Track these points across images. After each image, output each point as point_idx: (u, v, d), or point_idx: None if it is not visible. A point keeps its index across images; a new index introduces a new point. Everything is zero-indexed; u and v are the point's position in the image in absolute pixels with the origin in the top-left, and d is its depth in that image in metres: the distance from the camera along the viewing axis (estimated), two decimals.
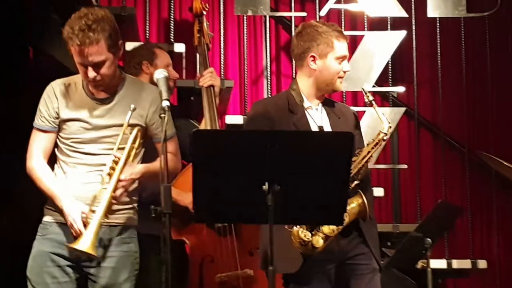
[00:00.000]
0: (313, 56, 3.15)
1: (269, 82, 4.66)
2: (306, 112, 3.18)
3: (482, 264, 4.68)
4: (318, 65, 3.16)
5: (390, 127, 3.13)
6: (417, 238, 3.75)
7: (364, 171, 3.11)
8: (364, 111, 4.60)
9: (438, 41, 4.94)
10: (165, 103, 2.70)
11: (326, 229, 2.99)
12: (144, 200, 2.99)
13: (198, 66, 4.42)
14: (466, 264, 4.67)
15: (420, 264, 4.16)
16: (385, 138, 3.12)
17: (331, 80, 3.17)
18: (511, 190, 4.15)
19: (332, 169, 2.61)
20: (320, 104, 3.22)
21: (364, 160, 3.09)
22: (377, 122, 3.23)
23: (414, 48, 4.86)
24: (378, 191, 4.55)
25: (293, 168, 2.57)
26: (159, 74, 2.81)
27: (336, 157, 2.61)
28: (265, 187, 2.51)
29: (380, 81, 4.81)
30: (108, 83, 2.90)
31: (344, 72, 3.19)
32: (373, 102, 3.16)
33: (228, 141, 2.59)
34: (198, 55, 4.06)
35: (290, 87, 3.26)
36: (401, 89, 4.84)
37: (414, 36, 4.85)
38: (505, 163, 3.69)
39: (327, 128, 3.17)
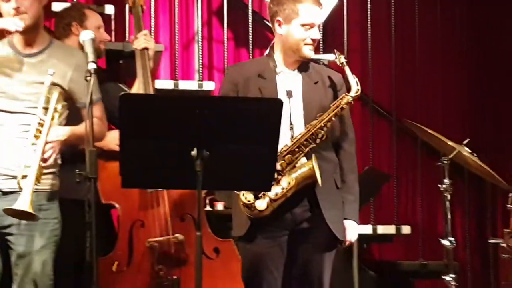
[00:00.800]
0: (279, 21, 3.10)
1: (200, 47, 4.62)
2: (277, 76, 3.13)
3: (406, 229, 4.80)
4: (283, 30, 3.10)
5: (358, 90, 3.06)
6: None
7: (323, 135, 3.03)
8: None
9: (369, 10, 4.99)
10: (91, 66, 2.65)
11: (271, 192, 2.97)
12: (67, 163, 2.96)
13: (128, 29, 4.37)
14: (390, 229, 4.78)
15: None
16: (350, 101, 3.05)
17: (297, 47, 3.10)
18: (435, 158, 4.24)
19: (261, 135, 2.62)
20: (297, 69, 3.15)
21: (322, 123, 3.03)
22: None
23: (345, 16, 4.89)
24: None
25: (222, 133, 2.57)
26: (86, 36, 2.77)
27: (265, 123, 2.61)
28: (194, 152, 2.50)
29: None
30: (31, 25, 2.86)
31: (313, 39, 3.09)
32: (345, 64, 3.10)
33: (156, 106, 2.56)
34: (128, 17, 4.00)
35: (268, 51, 3.23)
36: (331, 56, 4.86)
37: (345, 4, 4.88)
38: (430, 131, 3.79)
39: (297, 93, 3.11)
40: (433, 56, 5.26)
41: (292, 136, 3.06)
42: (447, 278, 3.61)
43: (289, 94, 3.08)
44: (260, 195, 3.01)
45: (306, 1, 3.06)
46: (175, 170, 2.60)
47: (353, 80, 3.06)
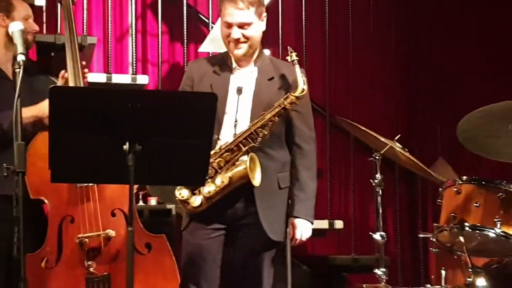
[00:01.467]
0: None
1: (134, 40, 4.56)
2: (232, 73, 3.13)
3: (338, 224, 4.84)
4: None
5: (303, 90, 3.04)
6: None
7: (265, 135, 3.00)
8: None
9: (303, 7, 5.03)
10: (20, 57, 2.59)
11: (206, 188, 2.98)
12: None
13: (59, 21, 4.27)
14: (323, 224, 4.82)
15: None
16: (294, 100, 3.02)
17: (225, 44, 3.13)
18: (368, 153, 4.30)
19: (195, 129, 2.60)
20: (253, 64, 3.14)
21: (262, 123, 3.01)
22: None
23: (280, 13, 4.91)
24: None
25: (155, 128, 2.55)
26: (14, 27, 2.71)
27: (199, 117, 2.60)
28: (126, 147, 2.47)
29: None
30: None
31: (236, 39, 3.05)
32: (296, 62, 3.07)
33: (88, 99, 2.52)
34: (60, 9, 3.92)
35: None
36: (266, 52, 4.88)
37: (280, 2, 4.89)
38: (362, 127, 3.83)
39: (249, 89, 3.10)
40: (366, 53, 5.33)
41: (234, 134, 3.05)
42: (378, 272, 3.66)
43: (239, 90, 3.08)
44: (195, 191, 3.01)
45: (226, 1, 3.06)
46: (106, 165, 2.57)
47: (301, 79, 3.05)
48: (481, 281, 3.29)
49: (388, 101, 5.43)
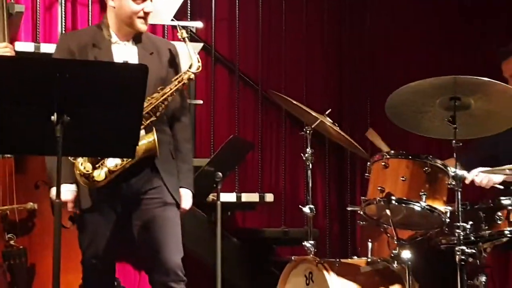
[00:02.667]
0: None
1: (63, 10, 4.45)
2: (112, 47, 3.14)
3: (269, 197, 4.88)
4: (115, 2, 3.14)
5: (199, 67, 3.14)
6: (209, 172, 3.83)
7: (163, 109, 3.11)
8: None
9: None
10: None
11: (110, 163, 3.00)
12: None
13: None
14: (254, 197, 4.85)
15: (210, 198, 4.26)
16: (191, 77, 3.13)
17: (130, 20, 3.14)
18: (299, 128, 4.34)
19: (124, 101, 2.58)
20: (132, 40, 3.19)
21: (164, 97, 3.11)
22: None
23: None
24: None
25: (84, 98, 2.51)
26: None
27: (129, 89, 2.58)
28: (54, 117, 2.43)
29: (178, 15, 4.78)
30: None
31: (146, 13, 3.11)
32: (187, 39, 3.17)
33: (15, 68, 2.46)
34: None
35: (101, 21, 3.21)
36: (199, 24, 4.85)
37: None
38: (293, 102, 3.85)
39: (133, 63, 3.13)
40: (299, 28, 5.35)
41: None
42: (307, 244, 3.71)
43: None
44: (98, 165, 2.99)
45: None
46: (34, 136, 2.52)
47: (194, 56, 3.17)
48: (406, 253, 3.37)
49: (320, 75, 5.47)
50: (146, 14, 3.12)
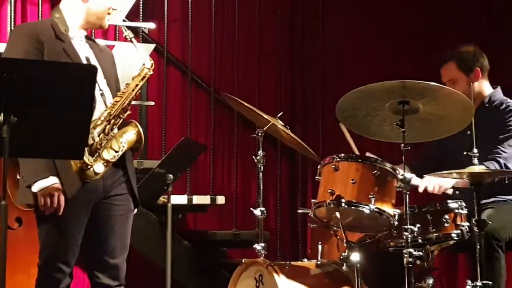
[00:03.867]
0: None
1: (13, 8, 4.39)
2: (72, 41, 3.10)
3: (220, 200, 4.88)
4: None
5: (152, 64, 3.15)
6: (160, 174, 3.81)
7: (128, 105, 3.10)
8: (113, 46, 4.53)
9: None
10: None
11: (106, 154, 2.99)
12: None
13: None
14: (205, 200, 4.85)
15: (161, 200, 4.24)
16: (150, 73, 3.14)
17: (102, 15, 3.12)
18: (251, 131, 4.33)
19: (73, 101, 2.55)
20: (84, 37, 3.16)
21: (132, 96, 3.09)
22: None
23: None
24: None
25: (32, 98, 2.48)
26: None
27: (79, 89, 2.55)
28: (0, 118, 2.39)
29: (131, 16, 4.76)
30: None
31: (113, 10, 3.12)
32: (133, 40, 3.16)
33: None
34: None
35: (52, 15, 3.15)
36: (151, 25, 4.83)
37: None
38: (245, 104, 3.86)
39: (93, 59, 3.12)
40: (252, 30, 5.36)
41: (104, 103, 3.07)
42: (258, 246, 3.71)
43: (88, 60, 3.10)
44: (94, 157, 2.97)
45: None
46: None
47: (146, 54, 3.22)
48: (355, 256, 3.40)
49: (273, 77, 5.49)
50: (114, 10, 3.14)
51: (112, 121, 3.04)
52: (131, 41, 3.17)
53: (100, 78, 3.08)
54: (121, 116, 3.07)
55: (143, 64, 3.16)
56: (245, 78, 5.30)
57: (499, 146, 3.80)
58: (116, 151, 3.01)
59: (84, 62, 3.08)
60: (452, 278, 5.27)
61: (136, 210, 3.23)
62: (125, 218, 3.15)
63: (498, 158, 3.77)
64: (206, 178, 5.06)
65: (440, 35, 5.68)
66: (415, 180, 3.63)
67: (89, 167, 2.94)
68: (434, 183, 3.68)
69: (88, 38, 3.21)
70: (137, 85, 3.11)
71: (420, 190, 3.72)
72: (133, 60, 4.18)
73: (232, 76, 5.25)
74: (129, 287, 4.94)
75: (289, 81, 5.59)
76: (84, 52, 3.12)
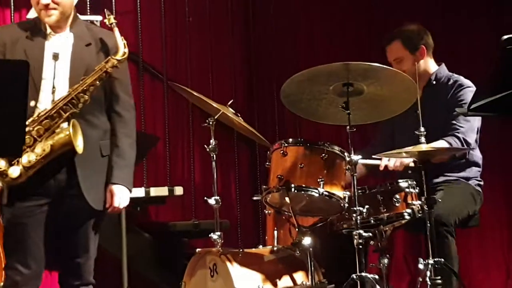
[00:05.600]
0: None
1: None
2: (46, 38, 3.05)
3: (178, 191, 4.85)
4: None
5: (125, 53, 3.03)
6: None
7: (86, 100, 2.98)
8: None
9: None
10: None
11: (25, 157, 2.89)
12: None
13: None
14: (163, 191, 4.81)
15: None
16: (116, 64, 3.01)
17: (38, 12, 3.05)
18: (205, 119, 4.30)
19: (6, 98, 2.50)
20: (68, 30, 3.08)
21: (84, 87, 2.98)
22: None
23: None
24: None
25: None
26: None
27: (10, 85, 2.50)
28: None
29: (79, 10, 4.69)
30: None
31: (45, 5, 3.00)
32: (114, 25, 3.06)
33: None
34: None
35: None
36: (98, 17, 4.76)
37: None
38: (195, 93, 3.83)
39: (65, 55, 3.04)
40: (205, 18, 5.32)
41: (53, 100, 2.99)
42: (214, 236, 3.69)
43: (55, 56, 3.01)
44: (13, 161, 2.91)
45: None
46: None
47: (121, 42, 3.04)
48: (307, 240, 3.40)
49: (227, 65, 5.46)
50: (45, 6, 3.00)
51: (45, 121, 2.96)
52: (111, 26, 3.07)
53: (62, 74, 3.02)
54: (62, 113, 2.97)
55: (113, 54, 3.04)
56: (199, 66, 5.27)
57: (454, 122, 3.81)
58: (37, 155, 2.91)
59: (48, 59, 3.01)
60: (407, 257, 5.33)
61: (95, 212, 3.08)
62: (81, 217, 3.05)
63: (457, 133, 3.78)
64: (163, 169, 5.03)
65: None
66: (371, 161, 3.64)
67: (2, 171, 2.89)
68: (394, 159, 3.67)
69: (80, 30, 3.10)
70: (94, 79, 2.99)
71: (381, 168, 3.72)
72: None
73: (185, 65, 5.21)
74: None
75: (245, 67, 5.56)
76: (56, 49, 3.04)
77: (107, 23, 3.10)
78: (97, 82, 3.00)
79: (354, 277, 3.21)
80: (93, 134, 3.04)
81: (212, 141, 3.86)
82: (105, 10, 3.15)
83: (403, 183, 3.51)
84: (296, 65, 5.40)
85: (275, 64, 5.51)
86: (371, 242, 3.58)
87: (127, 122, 3.15)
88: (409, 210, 3.49)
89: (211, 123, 3.88)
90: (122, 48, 3.04)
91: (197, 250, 3.62)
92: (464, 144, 3.74)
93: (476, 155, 3.94)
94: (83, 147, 2.97)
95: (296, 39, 5.61)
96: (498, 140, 5.38)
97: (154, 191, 4.77)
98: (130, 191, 3.13)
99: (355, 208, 3.24)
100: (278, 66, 5.53)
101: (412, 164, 3.73)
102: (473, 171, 3.92)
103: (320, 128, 4.96)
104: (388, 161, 3.72)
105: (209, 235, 3.73)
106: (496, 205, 5.50)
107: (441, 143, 3.67)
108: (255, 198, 4.14)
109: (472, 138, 3.80)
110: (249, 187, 5.49)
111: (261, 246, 3.77)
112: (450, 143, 3.70)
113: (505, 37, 2.85)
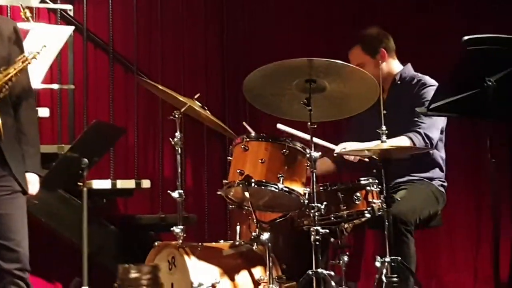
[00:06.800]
0: None
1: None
2: None
3: (146, 183, 4.83)
4: None
5: (45, 46, 3.06)
6: (73, 158, 3.73)
7: (6, 90, 3.02)
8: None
9: None
10: None
11: None
12: None
13: None
14: (130, 184, 4.79)
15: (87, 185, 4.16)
16: (36, 57, 3.05)
17: None
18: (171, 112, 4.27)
19: None
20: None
21: (7, 78, 3.01)
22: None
23: None
24: (43, 112, 4.49)
25: None
26: None
27: None
28: None
29: None
30: None
31: None
32: (30, 19, 3.09)
33: None
34: None
35: None
36: (68, 7, 4.74)
37: None
38: (160, 87, 3.81)
39: None
40: (178, 10, 5.29)
41: None
42: (176, 229, 3.66)
43: None
44: None
45: None
46: None
47: (45, 36, 3.16)
48: (265, 235, 3.38)
49: (201, 59, 5.43)
50: None
51: None
52: (27, 20, 3.10)
53: None
54: None
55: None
56: (172, 59, 5.24)
57: (416, 118, 3.82)
58: None
59: None
60: (365, 255, 5.33)
61: (25, 195, 3.15)
62: (10, 199, 3.08)
63: (419, 129, 3.78)
64: (131, 162, 5.00)
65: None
66: (326, 143, 3.63)
67: None
68: (348, 147, 3.68)
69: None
70: (12, 71, 3.01)
71: (335, 154, 3.72)
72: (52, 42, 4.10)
73: (158, 57, 5.18)
74: (55, 273, 4.93)
75: (219, 61, 5.52)
76: None
77: (22, 16, 3.12)
78: (19, 73, 3.05)
79: (310, 273, 3.21)
80: (9, 122, 3.09)
81: (177, 134, 3.83)
82: (21, 4, 3.16)
83: (364, 181, 3.51)
84: (270, 59, 5.37)
85: (248, 58, 5.47)
86: (332, 239, 3.59)
87: (31, 110, 3.21)
88: (369, 208, 3.49)
89: (177, 116, 3.86)
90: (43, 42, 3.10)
91: (156, 243, 3.60)
92: (426, 139, 3.74)
93: (441, 156, 3.95)
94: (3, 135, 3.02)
95: (270, 33, 5.57)
96: (465, 141, 5.40)
97: (121, 184, 4.74)
98: (41, 176, 3.22)
99: (313, 204, 3.23)
100: (251, 60, 5.50)
101: (366, 159, 3.71)
102: (437, 172, 3.93)
103: (294, 125, 4.95)
104: (343, 149, 3.70)
105: (171, 229, 3.71)
106: (464, 206, 5.53)
107: (402, 139, 3.68)
108: (219, 192, 4.13)
109: (434, 134, 3.80)
110: (220, 182, 5.44)
111: (222, 241, 3.75)
112: (411, 138, 3.71)
113: (466, 37, 2.86)
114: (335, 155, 3.77)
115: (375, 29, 4.00)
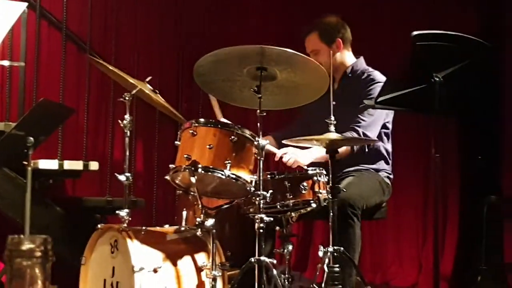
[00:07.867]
0: None
1: None
2: None
3: (93, 165, 4.78)
4: None
5: None
6: (18, 136, 3.67)
7: None
8: None
9: None
10: None
11: None
12: None
13: None
14: (78, 165, 4.73)
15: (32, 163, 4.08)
16: None
17: None
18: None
19: None
20: None
21: None
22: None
23: None
24: None
25: None
26: None
27: None
28: None
29: None
30: None
31: None
32: None
33: None
34: None
35: None
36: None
37: None
38: (111, 68, 3.76)
39: None
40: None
41: None
42: (121, 213, 3.62)
43: None
44: None
45: None
46: None
47: None
48: (210, 221, 3.36)
49: (157, 42, 5.38)
50: None
51: None
52: None
53: None
54: None
55: None
56: (127, 41, 5.18)
57: (359, 115, 3.85)
58: None
59: None
60: (309, 244, 5.37)
61: None
62: None
63: (357, 128, 3.82)
64: (79, 144, 4.94)
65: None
66: (271, 147, 3.63)
67: None
68: (291, 155, 3.67)
69: None
70: None
71: (276, 158, 3.72)
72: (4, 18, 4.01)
73: (114, 38, 5.12)
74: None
75: (175, 43, 5.48)
76: None
77: None
78: None
79: (252, 260, 3.20)
80: None
81: (127, 116, 3.79)
82: None
83: (311, 171, 3.52)
84: (226, 45, 5.35)
85: (204, 42, 5.44)
86: (277, 228, 3.59)
87: None
88: (315, 198, 3.49)
89: (127, 98, 3.81)
90: None
91: (99, 225, 3.56)
92: (363, 138, 3.78)
93: (386, 148, 3.98)
94: None
95: (227, 17, 5.55)
96: (414, 135, 5.46)
97: (68, 164, 4.68)
98: None
99: (259, 192, 3.22)
100: (207, 45, 5.45)
101: (305, 167, 3.71)
102: (382, 164, 3.96)
103: (248, 113, 4.93)
104: (285, 154, 3.70)
105: (116, 212, 3.67)
106: (411, 199, 5.60)
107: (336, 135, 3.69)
108: (167, 177, 4.10)
109: (373, 132, 3.84)
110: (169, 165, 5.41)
111: (167, 226, 3.72)
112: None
113: (415, 33, 2.88)
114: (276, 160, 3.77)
115: (334, 17, 4.01)
